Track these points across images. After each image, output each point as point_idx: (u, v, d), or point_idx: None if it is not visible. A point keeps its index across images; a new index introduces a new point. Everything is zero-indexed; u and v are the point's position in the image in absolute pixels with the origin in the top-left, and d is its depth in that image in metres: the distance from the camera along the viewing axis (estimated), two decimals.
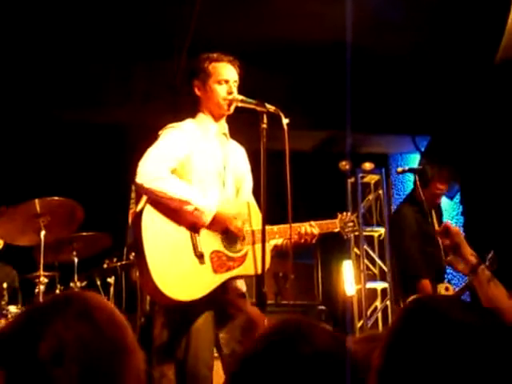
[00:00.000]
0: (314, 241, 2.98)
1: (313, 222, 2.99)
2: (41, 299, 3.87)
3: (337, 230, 3.10)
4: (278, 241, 2.99)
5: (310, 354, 1.07)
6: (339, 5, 4.50)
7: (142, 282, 2.86)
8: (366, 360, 1.11)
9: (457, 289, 4.29)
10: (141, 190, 2.77)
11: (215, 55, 3.00)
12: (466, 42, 4.90)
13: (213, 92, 2.95)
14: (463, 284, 4.32)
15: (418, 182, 4.33)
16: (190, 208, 2.73)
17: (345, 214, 3.14)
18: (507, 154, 5.07)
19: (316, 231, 2.97)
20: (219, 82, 2.95)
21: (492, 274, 2.04)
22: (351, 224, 3.14)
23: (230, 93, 2.94)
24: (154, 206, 2.74)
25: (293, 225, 2.85)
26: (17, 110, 5.30)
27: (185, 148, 2.86)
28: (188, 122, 2.99)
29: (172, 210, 2.75)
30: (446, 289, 4.21)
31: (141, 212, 2.73)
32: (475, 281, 2.07)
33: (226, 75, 2.96)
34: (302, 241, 2.95)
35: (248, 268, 2.85)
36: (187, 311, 2.73)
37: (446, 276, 4.41)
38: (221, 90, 2.94)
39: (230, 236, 2.86)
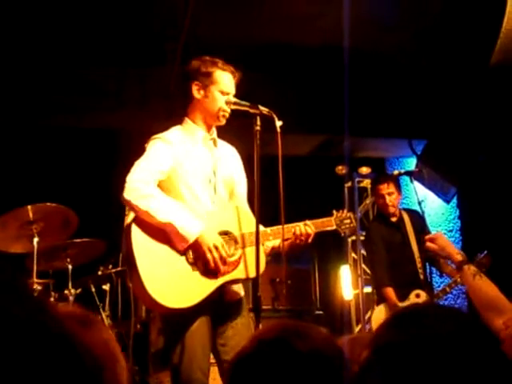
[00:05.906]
0: (309, 240, 2.93)
1: (308, 221, 2.94)
2: None
3: (333, 228, 3.04)
4: (275, 242, 2.93)
5: (305, 352, 1.08)
6: (336, 7, 4.47)
7: (137, 293, 2.83)
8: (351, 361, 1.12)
9: (436, 291, 4.51)
10: (128, 206, 2.77)
11: (220, 62, 2.94)
12: (461, 45, 4.89)
13: (214, 99, 2.90)
14: (442, 287, 4.52)
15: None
16: (172, 231, 2.70)
17: (341, 211, 3.10)
18: (503, 157, 5.05)
19: (311, 230, 2.92)
20: (222, 93, 2.92)
21: (478, 270, 2.25)
22: (348, 221, 3.08)
23: (227, 102, 2.91)
24: None
25: (286, 225, 2.82)
26: (9, 114, 5.27)
27: (171, 160, 2.83)
28: (174, 130, 2.95)
29: None
30: (417, 295, 4.34)
31: (130, 224, 2.72)
32: (462, 276, 2.30)
33: (230, 88, 2.93)
34: (298, 241, 2.89)
35: (242, 272, 2.81)
36: (183, 316, 2.71)
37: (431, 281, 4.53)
38: (222, 100, 2.91)
39: (224, 240, 2.82)
